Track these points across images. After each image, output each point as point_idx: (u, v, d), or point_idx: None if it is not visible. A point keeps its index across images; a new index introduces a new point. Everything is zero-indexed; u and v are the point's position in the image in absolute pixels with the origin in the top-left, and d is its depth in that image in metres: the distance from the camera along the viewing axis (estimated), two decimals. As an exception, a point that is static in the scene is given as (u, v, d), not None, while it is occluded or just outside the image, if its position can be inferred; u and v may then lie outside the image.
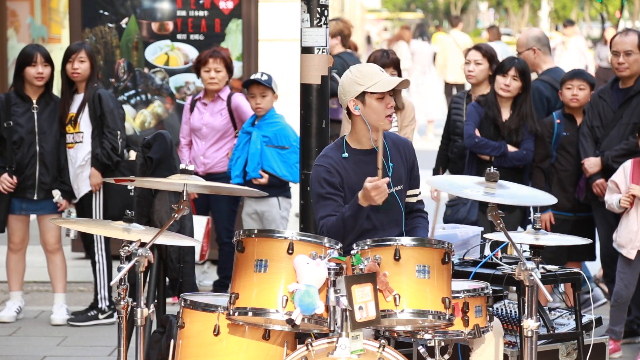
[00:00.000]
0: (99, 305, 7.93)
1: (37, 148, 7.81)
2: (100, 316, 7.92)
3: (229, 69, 8.33)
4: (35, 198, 7.84)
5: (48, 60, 7.82)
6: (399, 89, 5.21)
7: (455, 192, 5.13)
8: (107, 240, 7.93)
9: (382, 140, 5.15)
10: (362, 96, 5.07)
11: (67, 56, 7.86)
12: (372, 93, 5.04)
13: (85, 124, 7.82)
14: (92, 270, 8.01)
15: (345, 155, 5.11)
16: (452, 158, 8.14)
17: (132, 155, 7.91)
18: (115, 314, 7.87)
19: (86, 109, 7.80)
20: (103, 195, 7.86)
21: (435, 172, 8.26)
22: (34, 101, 7.84)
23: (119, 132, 7.78)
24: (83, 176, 7.85)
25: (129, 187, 7.73)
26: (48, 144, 7.83)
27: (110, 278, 7.92)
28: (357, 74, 5.09)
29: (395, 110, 7.51)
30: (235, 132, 8.36)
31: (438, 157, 8.26)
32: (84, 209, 7.89)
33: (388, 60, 7.38)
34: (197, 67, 8.40)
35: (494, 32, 18.58)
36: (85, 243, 8.17)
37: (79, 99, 7.86)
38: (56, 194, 7.83)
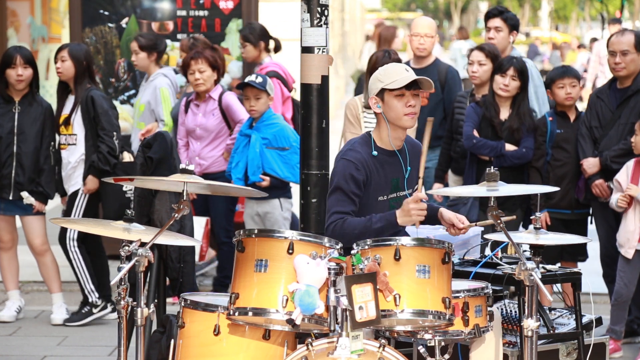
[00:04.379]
0: (90, 300, 7.91)
1: (15, 148, 7.79)
2: (94, 310, 7.91)
3: (215, 67, 8.30)
4: (10, 198, 7.83)
5: (29, 62, 7.79)
6: (423, 90, 5.17)
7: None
8: (81, 236, 7.87)
9: (403, 143, 5.18)
10: (382, 94, 5.09)
11: (55, 57, 7.88)
12: (390, 90, 5.05)
13: (78, 126, 7.80)
14: (70, 268, 7.97)
15: (375, 153, 5.13)
16: (454, 157, 8.14)
17: (126, 157, 7.88)
18: (110, 305, 7.90)
19: (79, 111, 7.79)
20: (98, 197, 7.83)
21: (438, 171, 8.27)
22: (17, 102, 7.83)
23: (115, 133, 7.76)
24: (74, 176, 7.84)
25: (124, 189, 7.74)
26: (26, 144, 7.81)
27: (89, 271, 7.89)
28: (381, 72, 5.13)
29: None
30: (230, 131, 8.35)
31: (441, 156, 8.27)
32: (67, 207, 7.89)
33: (390, 60, 7.38)
34: (183, 72, 8.42)
35: (463, 32, 19.77)
36: (60, 242, 8.09)
37: (72, 99, 7.86)
38: (24, 195, 7.81)
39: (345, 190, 5.03)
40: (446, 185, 8.29)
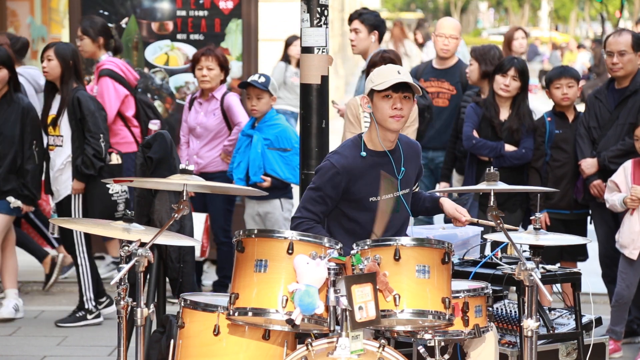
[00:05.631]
0: (86, 307, 7.90)
1: None
2: (89, 316, 7.90)
3: (223, 68, 8.29)
4: None
5: (3, 63, 7.76)
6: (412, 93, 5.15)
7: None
8: (89, 242, 7.87)
9: (396, 144, 5.18)
10: (372, 94, 5.11)
11: (41, 57, 7.86)
12: (378, 91, 5.06)
13: (65, 127, 7.74)
14: (75, 273, 7.96)
15: (364, 154, 5.13)
16: (458, 157, 8.17)
17: (114, 158, 7.85)
18: (102, 314, 7.89)
19: (66, 112, 7.72)
20: (82, 199, 7.79)
21: (444, 170, 8.32)
22: None
23: (101, 135, 7.68)
24: (61, 179, 7.79)
25: (110, 191, 7.71)
26: (4, 146, 7.76)
27: (94, 279, 7.90)
28: (374, 72, 5.15)
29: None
30: (230, 132, 8.34)
31: (447, 155, 8.31)
32: (63, 211, 7.80)
33: (377, 58, 7.41)
34: (192, 67, 8.40)
35: None
36: (66, 246, 8.09)
37: (59, 99, 7.79)
38: (10, 199, 7.79)
39: (321, 190, 5.08)
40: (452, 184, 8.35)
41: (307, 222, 5.06)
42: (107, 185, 7.70)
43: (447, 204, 5.33)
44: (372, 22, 8.41)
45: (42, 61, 7.83)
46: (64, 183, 7.79)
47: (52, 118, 7.79)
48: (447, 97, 8.59)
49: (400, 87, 5.05)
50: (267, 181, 7.93)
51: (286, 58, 13.58)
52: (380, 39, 8.49)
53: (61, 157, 7.79)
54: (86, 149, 7.66)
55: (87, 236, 7.83)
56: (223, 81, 8.38)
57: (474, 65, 8.00)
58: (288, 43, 13.57)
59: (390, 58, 7.43)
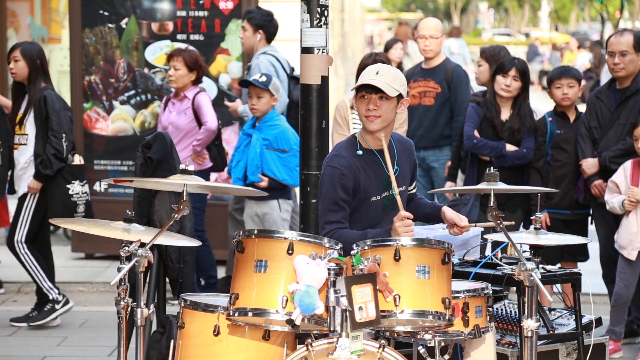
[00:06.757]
0: (51, 297, 7.84)
1: None
2: (57, 306, 7.84)
3: (192, 68, 8.28)
4: None
5: None
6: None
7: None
8: (29, 237, 7.78)
9: (390, 142, 5.17)
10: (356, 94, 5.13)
11: (7, 58, 7.84)
12: (356, 93, 5.08)
13: (30, 126, 7.73)
14: (25, 271, 7.89)
15: (360, 152, 5.13)
16: (463, 157, 8.19)
17: (77, 159, 7.81)
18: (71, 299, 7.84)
19: (32, 111, 7.70)
20: (40, 198, 7.76)
21: (450, 169, 8.33)
22: None
23: (64, 135, 7.63)
24: (24, 178, 7.78)
25: (70, 192, 7.67)
26: None
27: (44, 269, 7.82)
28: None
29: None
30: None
31: (453, 155, 8.33)
32: (17, 209, 7.76)
33: (370, 61, 7.41)
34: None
35: (454, 31, 21.80)
36: (8, 246, 7.96)
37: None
38: None
39: (333, 198, 5.05)
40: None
41: (334, 231, 5.01)
42: (67, 186, 7.67)
43: (448, 212, 5.30)
44: (258, 21, 8.74)
45: (8, 63, 7.81)
46: (26, 181, 7.77)
47: (19, 117, 7.77)
48: (433, 95, 8.64)
49: (375, 87, 5.04)
50: (264, 181, 7.93)
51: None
52: (268, 39, 8.76)
53: (25, 156, 7.77)
54: (47, 148, 7.61)
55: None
56: (196, 82, 8.37)
57: (484, 66, 8.01)
58: (388, 47, 13.56)
59: (382, 61, 7.42)
